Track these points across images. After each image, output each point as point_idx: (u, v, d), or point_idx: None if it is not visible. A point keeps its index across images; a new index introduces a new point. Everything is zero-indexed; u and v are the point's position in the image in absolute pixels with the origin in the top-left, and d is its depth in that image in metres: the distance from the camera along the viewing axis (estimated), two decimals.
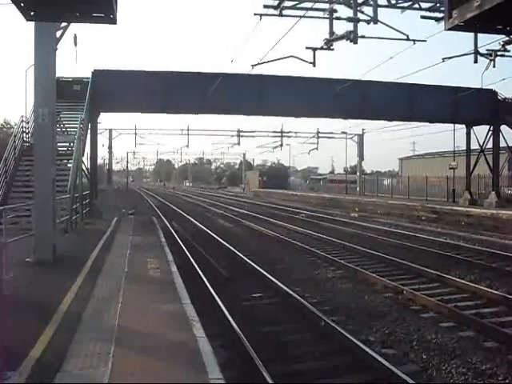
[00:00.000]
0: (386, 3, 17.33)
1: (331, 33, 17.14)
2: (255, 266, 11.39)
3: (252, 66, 19.05)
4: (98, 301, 6.65)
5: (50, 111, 9.75)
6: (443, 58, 20.83)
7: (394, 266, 11.66)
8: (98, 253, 10.75)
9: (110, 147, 49.47)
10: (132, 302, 6.61)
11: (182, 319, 5.78)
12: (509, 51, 20.05)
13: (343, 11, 17.12)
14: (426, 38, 17.12)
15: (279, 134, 49.63)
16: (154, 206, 34.48)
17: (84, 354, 4.67)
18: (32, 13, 4.55)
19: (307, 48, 18.22)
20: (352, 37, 16.28)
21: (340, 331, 6.58)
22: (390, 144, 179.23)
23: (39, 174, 9.90)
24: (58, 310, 6.15)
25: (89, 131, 21.52)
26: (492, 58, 20.02)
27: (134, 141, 51.31)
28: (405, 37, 17.13)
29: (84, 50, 77.00)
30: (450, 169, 31.37)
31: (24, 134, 18.41)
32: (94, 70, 22.23)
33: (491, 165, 27.60)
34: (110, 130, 48.13)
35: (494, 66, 20.29)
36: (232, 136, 51.27)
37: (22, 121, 18.51)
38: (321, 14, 17.50)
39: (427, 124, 31.17)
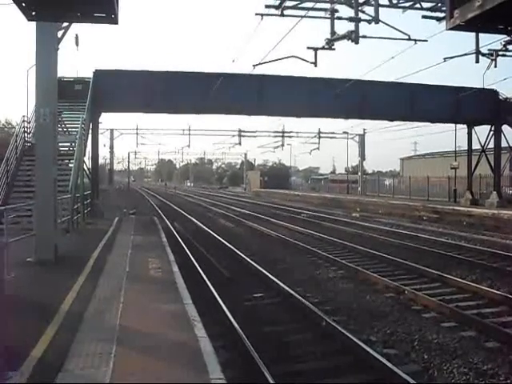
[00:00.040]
0: (388, 3, 17.32)
1: (332, 33, 17.13)
2: (256, 266, 11.39)
3: (253, 65, 19.07)
4: (100, 300, 6.65)
5: (52, 111, 9.76)
6: (444, 58, 20.85)
7: (396, 266, 11.65)
8: (99, 253, 10.76)
9: (111, 147, 49.56)
10: (133, 301, 6.61)
11: (184, 319, 5.78)
12: (510, 51, 20.05)
13: (344, 11, 17.05)
14: (428, 37, 17.08)
15: (280, 134, 49.70)
16: (156, 206, 34.49)
17: (85, 354, 4.67)
18: (33, 13, 4.54)
19: (308, 48, 18.22)
20: (353, 37, 16.28)
21: (341, 331, 6.57)
22: (391, 144, 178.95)
23: (40, 174, 9.91)
24: (59, 309, 6.15)
25: (90, 131, 21.55)
26: (493, 57, 20.00)
27: (135, 141, 51.43)
28: (406, 37, 17.12)
29: (85, 50, 77.07)
30: (452, 169, 31.34)
31: (25, 134, 18.41)
32: (96, 70, 22.26)
33: (493, 165, 27.57)
34: (112, 130, 48.24)
35: (495, 66, 20.30)
36: (233, 136, 51.36)
37: (24, 121, 18.52)
38: (322, 13, 17.50)
39: (428, 124, 31.14)
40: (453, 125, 30.71)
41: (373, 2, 16.28)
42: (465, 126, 28.52)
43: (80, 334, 5.24)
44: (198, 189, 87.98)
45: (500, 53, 19.95)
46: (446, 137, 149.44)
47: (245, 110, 25.28)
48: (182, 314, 5.98)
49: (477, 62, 19.57)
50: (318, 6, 17.38)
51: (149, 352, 4.74)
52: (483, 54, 19.76)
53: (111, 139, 49.12)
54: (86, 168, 20.24)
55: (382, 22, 16.40)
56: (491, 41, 18.52)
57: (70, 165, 17.22)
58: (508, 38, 18.47)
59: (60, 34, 13.16)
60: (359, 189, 47.13)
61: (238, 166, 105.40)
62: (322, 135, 49.36)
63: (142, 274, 8.65)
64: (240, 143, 52.12)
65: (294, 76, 24.30)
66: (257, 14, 16.39)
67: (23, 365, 4.36)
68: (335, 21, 17.10)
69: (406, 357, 6.14)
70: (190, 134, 48.10)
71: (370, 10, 16.43)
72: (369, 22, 16.32)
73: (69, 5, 4.62)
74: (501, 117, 26.37)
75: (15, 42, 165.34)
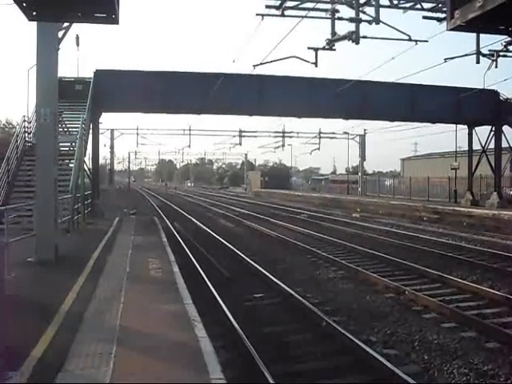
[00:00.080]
0: (388, 3, 17.29)
1: (333, 33, 17.11)
2: (257, 266, 11.40)
3: (254, 66, 19.06)
4: (100, 301, 6.65)
5: (52, 111, 9.76)
6: (445, 59, 20.84)
7: (396, 267, 11.65)
8: (99, 253, 10.76)
9: (111, 147, 49.50)
10: (134, 302, 6.61)
11: (184, 319, 5.78)
12: (511, 51, 20.01)
13: (345, 11, 17.02)
14: (428, 38, 17.02)
15: (281, 135, 49.64)
16: (156, 206, 34.50)
17: (85, 354, 4.67)
18: (34, 13, 4.54)
19: (309, 48, 18.18)
20: (354, 37, 16.26)
21: (341, 331, 6.58)
22: (391, 144, 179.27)
23: (41, 174, 9.91)
24: (59, 309, 6.16)
25: (91, 131, 21.56)
26: (494, 58, 19.98)
27: (135, 141, 51.39)
28: (407, 37, 17.09)
29: (86, 50, 77.11)
30: (452, 169, 31.33)
31: (26, 134, 18.41)
32: (96, 70, 22.26)
33: (493, 165, 27.57)
34: (112, 130, 48.19)
35: (496, 67, 20.27)
36: (234, 136, 51.26)
37: (24, 121, 18.52)
38: (323, 14, 17.46)
39: (429, 124, 31.12)
40: (453, 125, 30.75)
41: (373, 3, 16.26)
42: (465, 126, 28.52)
43: (80, 334, 5.24)
44: (199, 189, 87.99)
45: (501, 53, 19.92)
46: (446, 137, 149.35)
47: (245, 110, 25.28)
48: (183, 314, 5.98)
49: (477, 62, 19.56)
50: (319, 6, 17.36)
51: (149, 352, 4.74)
52: (484, 55, 19.75)
53: (111, 139, 49.08)
54: (86, 168, 20.24)
55: (383, 23, 16.38)
56: (492, 41, 18.56)
57: (71, 165, 17.21)
58: (509, 39, 18.45)
59: (61, 34, 13.16)
60: (359, 189, 47.11)
61: (239, 167, 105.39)
62: (322, 135, 49.30)
63: (143, 274, 8.65)
64: (240, 143, 52.04)
65: (295, 76, 24.31)
66: (257, 15, 16.38)
67: (23, 365, 4.36)
68: (336, 21, 17.06)
69: (406, 357, 6.14)
70: (190, 134, 48.04)
71: (370, 10, 16.40)
72: (369, 22, 16.30)
73: (69, 5, 4.62)
74: (501, 117, 26.37)
75: (16, 42, 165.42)
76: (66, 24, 13.45)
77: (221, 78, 21.75)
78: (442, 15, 16.70)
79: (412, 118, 27.99)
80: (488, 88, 25.33)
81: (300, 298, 8.45)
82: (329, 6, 17.24)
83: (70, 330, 5.33)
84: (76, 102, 20.44)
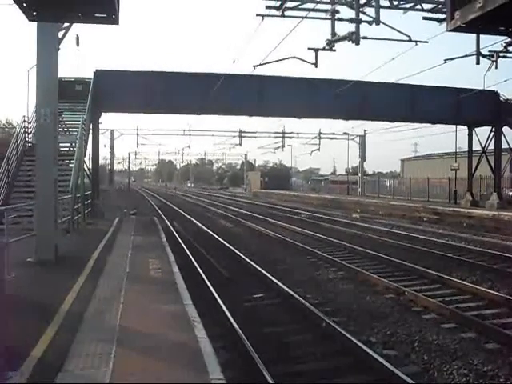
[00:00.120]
0: (388, 4, 17.31)
1: (333, 34, 17.12)
2: (256, 266, 11.40)
3: (254, 66, 19.06)
4: (100, 301, 6.65)
5: (52, 111, 9.76)
6: (445, 59, 20.87)
7: (396, 267, 11.65)
8: (99, 253, 10.76)
9: (111, 147, 49.50)
10: (133, 302, 6.61)
11: (184, 320, 5.78)
12: (511, 52, 20.03)
13: (345, 12, 17.03)
14: (428, 39, 17.02)
15: (281, 135, 49.66)
16: (156, 207, 34.50)
17: (85, 354, 4.67)
18: (34, 13, 4.55)
19: (309, 49, 18.19)
20: (354, 38, 16.28)
21: (341, 332, 6.58)
22: (391, 145, 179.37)
23: (41, 174, 9.91)
24: (59, 309, 6.15)
25: (91, 131, 21.55)
26: (494, 59, 20.00)
27: (135, 141, 51.42)
28: (407, 38, 17.10)
29: (86, 51, 77.13)
30: (452, 170, 31.33)
31: (26, 134, 18.42)
32: (96, 70, 22.27)
33: (493, 166, 27.58)
34: (112, 131, 48.19)
35: (496, 68, 20.31)
36: (234, 137, 51.25)
37: (24, 121, 18.52)
38: (323, 14, 17.48)
39: (429, 125, 31.16)
40: (453, 126, 30.76)
41: (373, 3, 16.27)
42: (465, 127, 28.52)
43: (80, 335, 5.24)
44: (199, 189, 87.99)
45: (501, 54, 19.94)
46: (446, 138, 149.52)
47: (245, 111, 25.28)
48: (182, 315, 5.98)
49: (477, 63, 19.59)
50: (319, 7, 17.38)
51: (149, 352, 4.74)
52: (484, 56, 19.77)
53: (111, 139, 49.08)
54: (86, 168, 20.25)
55: (383, 23, 16.40)
56: (492, 42, 18.61)
57: (71, 165, 17.21)
58: (509, 40, 18.47)
59: (61, 34, 13.15)
60: (359, 190, 47.11)
61: (239, 167, 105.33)
62: (322, 136, 49.29)
63: (142, 274, 8.65)
64: (240, 144, 52.01)
65: (295, 77, 24.32)
66: (257, 15, 16.39)
67: (23, 365, 4.36)
68: (336, 22, 17.08)
69: (406, 358, 6.14)
70: (190, 135, 48.01)
71: (370, 11, 16.42)
72: (369, 23, 16.31)
73: (70, 5, 4.63)
74: (501, 118, 26.38)
75: (16, 42, 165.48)
76: (66, 24, 13.45)
77: (221, 79, 21.75)
78: (442, 16, 16.71)
79: (412, 119, 27.99)
80: (488, 89, 25.38)
81: (300, 298, 8.45)
82: (329, 7, 17.26)
83: (70, 330, 5.33)
84: (76, 102, 20.44)
